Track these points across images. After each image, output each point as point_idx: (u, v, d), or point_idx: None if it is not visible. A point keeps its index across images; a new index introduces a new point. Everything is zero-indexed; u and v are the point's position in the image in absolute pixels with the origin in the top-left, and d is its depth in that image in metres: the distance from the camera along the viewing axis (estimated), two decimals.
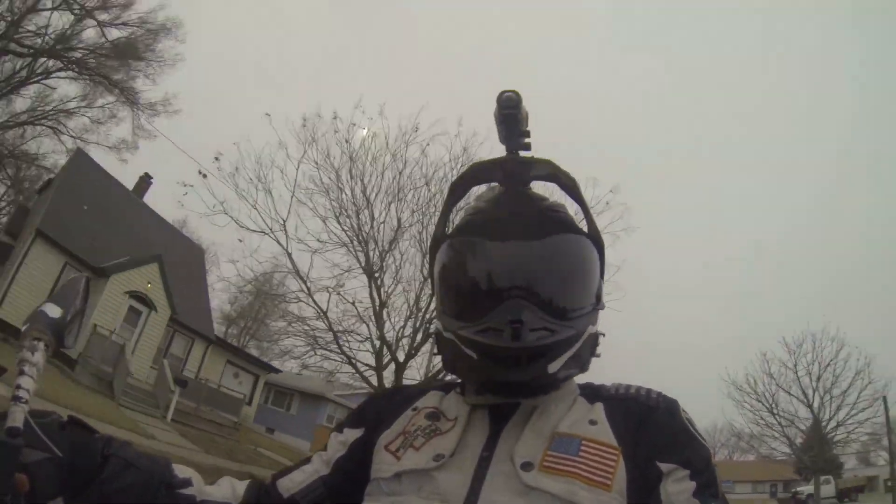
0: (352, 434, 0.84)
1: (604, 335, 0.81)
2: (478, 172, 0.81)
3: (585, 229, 0.82)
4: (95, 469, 0.67)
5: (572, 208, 0.87)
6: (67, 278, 0.74)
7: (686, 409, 0.74)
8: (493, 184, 0.85)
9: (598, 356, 0.81)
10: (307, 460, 0.85)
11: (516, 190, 0.82)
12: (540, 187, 0.84)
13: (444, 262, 0.81)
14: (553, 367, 0.71)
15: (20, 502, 0.57)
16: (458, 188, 0.84)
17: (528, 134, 0.79)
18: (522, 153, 0.80)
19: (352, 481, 0.80)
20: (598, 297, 0.80)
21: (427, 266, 0.92)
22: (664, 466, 0.66)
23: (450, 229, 0.86)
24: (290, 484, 0.81)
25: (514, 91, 0.74)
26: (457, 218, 0.89)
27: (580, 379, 0.82)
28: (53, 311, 0.66)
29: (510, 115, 0.75)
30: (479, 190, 0.88)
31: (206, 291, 23.85)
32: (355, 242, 11.10)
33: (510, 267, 0.74)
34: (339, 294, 10.80)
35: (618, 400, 0.76)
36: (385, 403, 0.87)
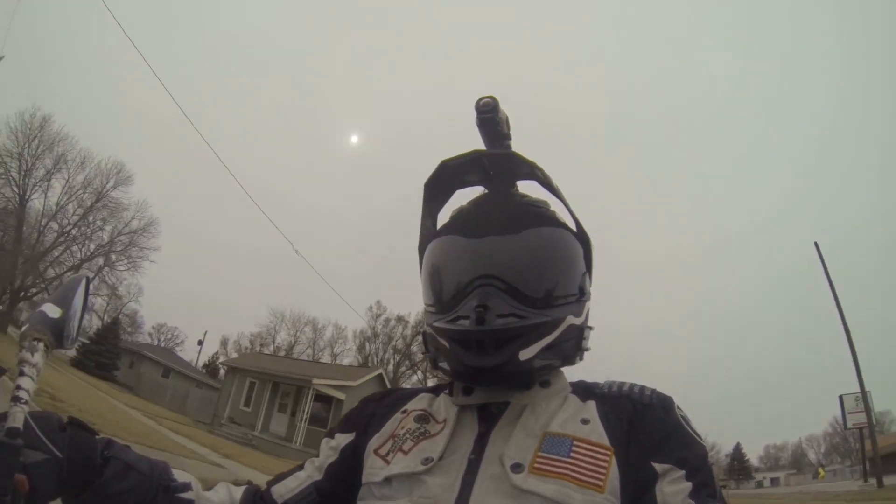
0: (343, 439, 0.85)
1: (591, 328, 0.82)
2: (454, 173, 0.82)
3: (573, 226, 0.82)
4: (95, 471, 0.67)
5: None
6: (67, 278, 0.73)
7: (681, 407, 0.73)
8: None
9: (588, 349, 0.81)
10: (300, 466, 0.86)
11: (499, 189, 0.84)
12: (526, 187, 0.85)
13: (426, 261, 0.83)
14: (525, 354, 0.71)
15: (20, 503, 0.57)
16: (432, 190, 0.84)
17: (508, 137, 0.82)
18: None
19: (344, 486, 0.80)
20: (582, 290, 0.80)
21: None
22: (659, 466, 0.65)
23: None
24: (284, 490, 0.81)
25: (491, 97, 0.77)
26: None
27: (572, 376, 0.82)
28: (53, 311, 0.65)
29: (488, 119, 0.77)
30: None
31: None
32: None
33: (482, 258, 0.75)
34: None
35: (611, 398, 0.75)
36: (375, 407, 0.87)
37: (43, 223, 26.95)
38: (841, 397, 19.52)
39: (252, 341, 44.59)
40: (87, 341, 28.38)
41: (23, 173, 26.21)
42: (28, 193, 26.54)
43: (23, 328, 0.64)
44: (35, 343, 0.62)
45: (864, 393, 17.69)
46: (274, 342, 43.95)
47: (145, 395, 27.96)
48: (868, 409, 17.69)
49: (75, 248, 27.72)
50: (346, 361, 41.62)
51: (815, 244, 20.18)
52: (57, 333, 0.64)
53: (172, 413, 23.02)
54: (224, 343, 47.97)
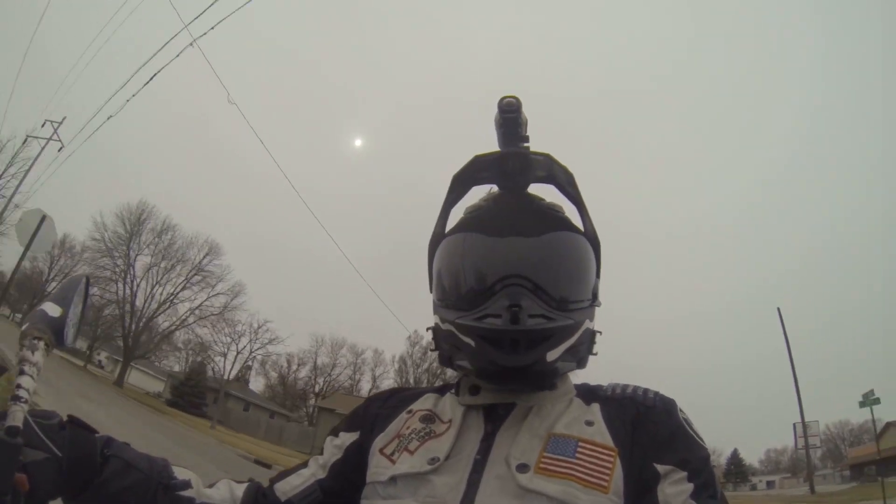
0: (347, 438, 0.84)
1: (600, 333, 0.82)
2: (478, 170, 0.82)
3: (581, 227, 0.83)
4: (95, 469, 0.67)
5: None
6: (67, 278, 0.73)
7: (683, 409, 0.74)
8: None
9: (595, 354, 0.81)
10: (304, 464, 0.85)
11: (515, 190, 0.84)
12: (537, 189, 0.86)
13: (444, 256, 0.82)
14: (552, 355, 0.71)
15: (20, 502, 0.57)
16: (459, 184, 0.85)
17: (527, 139, 0.81)
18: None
19: (348, 485, 0.80)
20: (595, 295, 0.81)
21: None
22: (661, 468, 0.66)
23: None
24: (288, 487, 0.81)
25: (514, 97, 0.77)
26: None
27: (577, 380, 0.82)
28: (53, 310, 0.66)
29: (510, 118, 0.77)
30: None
31: None
32: None
33: (508, 257, 0.75)
34: None
35: (614, 400, 0.75)
36: (380, 406, 0.86)
37: (148, 292, 33.08)
38: (794, 425, 24.10)
39: (289, 360, 47.55)
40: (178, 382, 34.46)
41: (133, 255, 32.59)
42: (136, 278, 32.60)
43: (23, 327, 0.64)
44: (35, 342, 0.62)
45: (804, 426, 23.23)
46: (315, 364, 47.38)
47: (238, 428, 31.43)
48: (806, 437, 23.27)
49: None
50: (386, 384, 45.38)
51: (778, 310, 24.42)
52: (57, 332, 0.65)
53: (272, 444, 25.74)
54: (263, 363, 49.38)
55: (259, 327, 34.41)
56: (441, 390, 0.87)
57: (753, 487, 48.40)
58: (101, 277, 30.81)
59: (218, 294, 33.69)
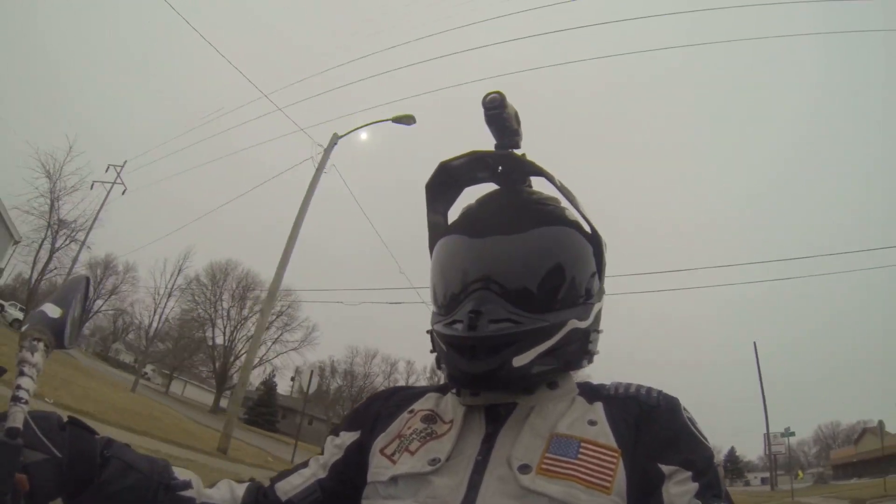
0: (348, 437, 0.84)
1: (600, 331, 0.80)
2: (458, 172, 0.82)
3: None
4: (95, 470, 0.67)
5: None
6: (68, 279, 0.73)
7: (687, 408, 0.73)
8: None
9: (596, 353, 0.80)
10: (305, 464, 0.85)
11: (509, 186, 0.83)
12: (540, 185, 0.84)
13: (433, 260, 0.83)
14: (519, 361, 0.70)
15: (20, 503, 0.57)
16: (434, 191, 0.85)
17: (517, 132, 0.81)
18: (514, 151, 0.82)
19: (349, 485, 0.79)
20: (589, 292, 0.78)
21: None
22: (665, 468, 0.65)
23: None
24: (288, 487, 0.80)
25: (497, 92, 0.77)
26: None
27: (579, 378, 0.81)
28: (53, 311, 0.65)
29: (495, 115, 0.77)
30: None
31: None
32: None
33: (481, 260, 0.74)
34: None
35: (618, 399, 0.74)
36: (381, 406, 0.86)
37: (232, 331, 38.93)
38: (764, 435, 28.64)
39: (322, 368, 48.82)
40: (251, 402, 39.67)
41: (226, 306, 38.37)
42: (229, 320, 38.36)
43: (23, 328, 0.63)
44: (35, 343, 0.61)
45: (768, 437, 27.79)
46: (352, 372, 49.84)
47: (316, 443, 31.89)
48: (770, 447, 28.02)
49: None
50: None
51: (754, 344, 28.00)
52: (57, 333, 0.64)
53: None
54: (298, 372, 50.47)
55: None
56: (443, 389, 0.86)
57: (747, 483, 49.86)
58: (187, 319, 37.97)
59: (293, 328, 38.84)
